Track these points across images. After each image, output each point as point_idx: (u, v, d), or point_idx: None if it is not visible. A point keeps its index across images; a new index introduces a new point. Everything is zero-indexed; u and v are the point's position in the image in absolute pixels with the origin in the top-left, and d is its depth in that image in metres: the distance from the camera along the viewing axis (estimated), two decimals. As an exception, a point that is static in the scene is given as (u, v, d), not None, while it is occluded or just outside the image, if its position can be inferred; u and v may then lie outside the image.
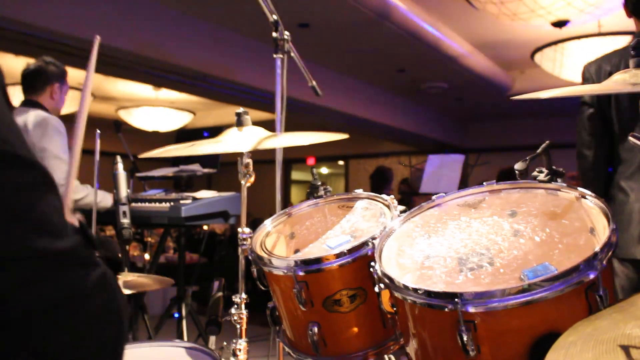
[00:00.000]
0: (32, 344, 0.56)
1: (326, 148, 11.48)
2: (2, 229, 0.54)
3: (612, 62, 2.24)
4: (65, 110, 3.40)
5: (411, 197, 5.83)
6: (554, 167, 1.39)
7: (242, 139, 1.76)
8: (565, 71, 6.23)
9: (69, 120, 3.30)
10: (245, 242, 1.78)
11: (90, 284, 0.60)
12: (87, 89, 1.29)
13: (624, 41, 5.28)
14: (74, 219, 0.72)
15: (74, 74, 3.44)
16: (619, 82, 1.31)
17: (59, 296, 0.57)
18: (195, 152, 1.82)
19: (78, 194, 2.99)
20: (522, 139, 9.12)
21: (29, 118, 3.00)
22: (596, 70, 2.28)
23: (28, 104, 3.10)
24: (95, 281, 0.61)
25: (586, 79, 2.32)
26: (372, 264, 1.34)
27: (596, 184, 2.29)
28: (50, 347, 0.57)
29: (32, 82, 3.13)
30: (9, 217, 0.55)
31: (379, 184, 6.06)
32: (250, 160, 1.82)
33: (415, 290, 1.17)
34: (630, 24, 2.35)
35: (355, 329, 1.53)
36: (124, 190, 2.19)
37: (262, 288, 1.64)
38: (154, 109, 8.92)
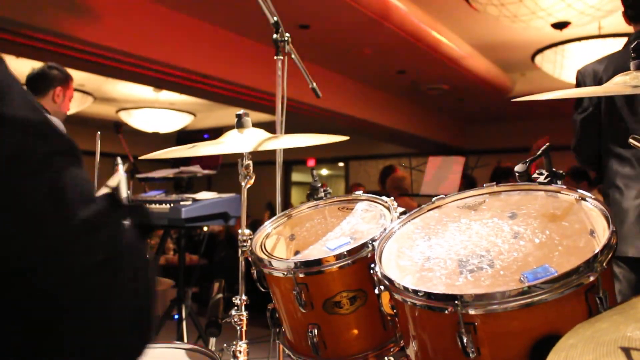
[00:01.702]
0: (68, 314, 0.55)
1: (326, 150, 11.48)
2: (30, 195, 0.54)
3: (602, 66, 2.29)
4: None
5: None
6: (554, 169, 1.39)
7: (243, 140, 1.76)
8: (565, 73, 6.23)
9: (70, 122, 3.32)
10: (245, 244, 1.78)
11: (122, 248, 0.60)
12: None
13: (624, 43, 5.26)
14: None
15: (74, 76, 3.44)
16: (619, 84, 1.31)
17: (92, 261, 0.56)
18: (196, 154, 1.82)
19: None
20: (522, 141, 9.11)
21: None
22: (588, 75, 2.33)
23: None
24: (127, 247, 0.61)
25: (579, 83, 2.37)
26: (372, 265, 1.34)
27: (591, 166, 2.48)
28: (87, 316, 0.56)
29: (35, 85, 3.17)
30: (36, 184, 0.55)
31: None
32: (250, 162, 1.82)
33: (416, 292, 1.16)
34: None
35: (356, 331, 1.53)
36: (124, 192, 2.19)
37: (262, 290, 1.64)
38: (154, 110, 8.93)
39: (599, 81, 2.25)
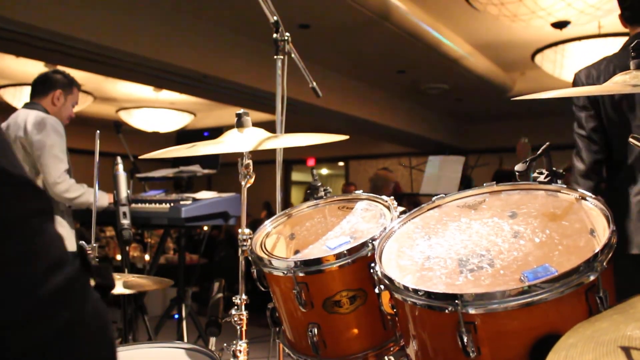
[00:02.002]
0: None
1: (326, 149, 11.48)
2: (5, 259, 0.53)
3: (600, 68, 2.28)
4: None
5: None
6: (554, 168, 1.39)
7: (243, 139, 1.76)
8: (565, 72, 6.23)
9: (70, 121, 3.32)
10: (245, 243, 1.78)
11: (88, 312, 0.60)
12: None
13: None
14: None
15: (74, 75, 3.45)
16: (619, 83, 1.31)
17: (60, 327, 0.56)
18: (196, 153, 1.81)
19: (73, 192, 3.00)
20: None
21: (29, 118, 3.06)
22: (586, 77, 2.32)
23: (30, 105, 3.18)
24: (92, 309, 0.61)
25: (576, 85, 2.35)
26: (372, 265, 1.34)
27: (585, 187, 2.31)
28: None
29: (38, 87, 3.25)
30: (7, 247, 0.54)
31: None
32: (250, 161, 1.82)
33: (416, 291, 1.16)
34: (630, 25, 2.37)
35: (355, 330, 1.53)
36: (124, 191, 2.19)
37: (262, 289, 1.64)
38: (154, 109, 8.92)
39: (596, 83, 2.24)
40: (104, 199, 3.19)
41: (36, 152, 2.98)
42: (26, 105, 3.21)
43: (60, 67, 4.78)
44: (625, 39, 2.49)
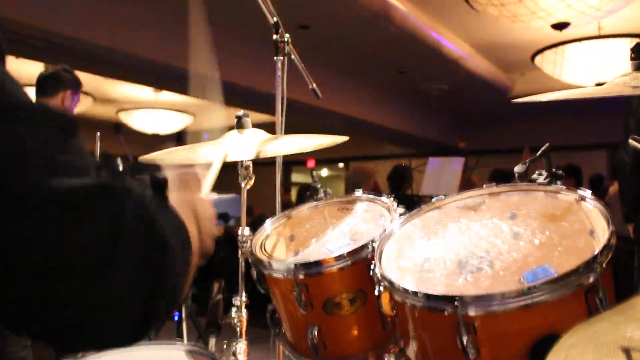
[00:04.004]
0: (65, 294, 0.53)
1: (326, 150, 11.39)
2: (20, 170, 0.53)
3: None
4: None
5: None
6: (553, 169, 1.39)
7: (242, 141, 1.76)
8: (565, 73, 6.23)
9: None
10: (245, 244, 1.78)
11: (126, 217, 0.57)
12: None
13: (624, 43, 5.27)
14: None
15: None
16: (619, 85, 1.31)
17: (92, 235, 0.54)
18: (196, 155, 1.81)
19: None
20: (522, 141, 9.10)
21: None
22: None
23: None
24: (130, 213, 0.57)
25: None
26: (372, 266, 1.34)
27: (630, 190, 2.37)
28: (89, 296, 0.54)
29: (45, 85, 3.08)
30: (27, 159, 0.54)
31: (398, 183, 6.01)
32: (250, 163, 1.82)
33: (415, 293, 1.16)
34: (630, 26, 2.36)
35: (355, 332, 1.53)
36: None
37: (262, 291, 1.64)
38: (154, 111, 8.92)
39: None
40: None
41: None
42: None
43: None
44: (625, 39, 2.49)
